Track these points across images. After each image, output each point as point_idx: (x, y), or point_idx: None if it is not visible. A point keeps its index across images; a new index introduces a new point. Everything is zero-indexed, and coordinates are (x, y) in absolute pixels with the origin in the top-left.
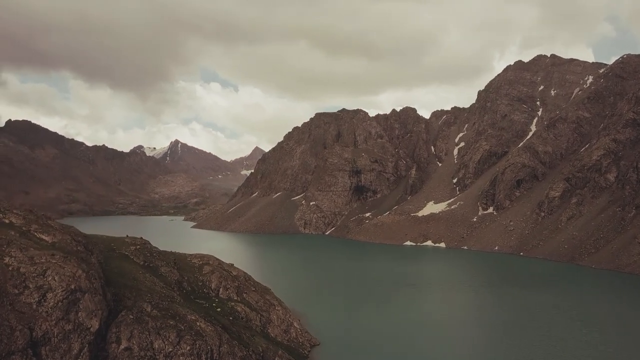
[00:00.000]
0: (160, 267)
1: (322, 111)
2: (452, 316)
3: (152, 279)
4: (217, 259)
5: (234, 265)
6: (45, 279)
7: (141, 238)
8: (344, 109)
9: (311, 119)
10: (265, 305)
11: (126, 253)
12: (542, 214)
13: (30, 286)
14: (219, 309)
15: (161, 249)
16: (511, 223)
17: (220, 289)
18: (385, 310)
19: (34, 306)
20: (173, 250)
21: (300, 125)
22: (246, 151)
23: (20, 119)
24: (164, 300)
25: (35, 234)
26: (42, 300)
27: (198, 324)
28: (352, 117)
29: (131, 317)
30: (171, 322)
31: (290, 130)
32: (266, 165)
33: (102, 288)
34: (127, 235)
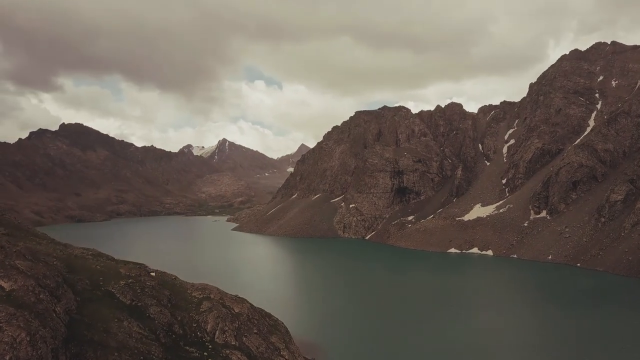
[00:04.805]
0: (149, 307)
1: (367, 106)
2: (499, 345)
3: (129, 327)
4: (220, 292)
5: (239, 295)
6: None
7: (139, 267)
8: (385, 106)
9: (351, 117)
10: (268, 352)
11: (112, 290)
12: (602, 219)
13: None
14: None
15: (163, 273)
16: (567, 229)
17: (217, 332)
18: (419, 340)
19: None
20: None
21: (340, 124)
22: (293, 148)
23: (74, 122)
24: None
25: None
26: None
27: None
28: (394, 115)
29: None
30: None
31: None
32: (305, 166)
33: (55, 352)
34: (125, 264)
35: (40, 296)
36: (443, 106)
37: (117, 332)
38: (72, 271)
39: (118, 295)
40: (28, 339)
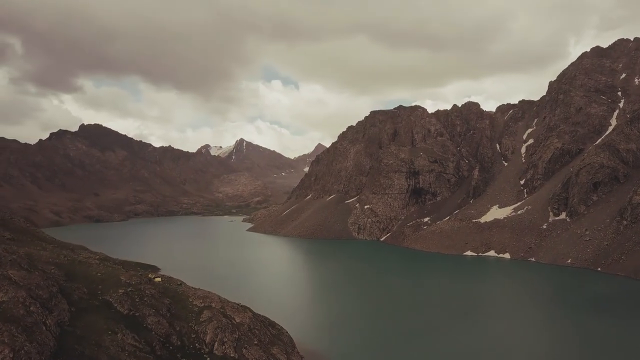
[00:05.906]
0: (147, 317)
1: (385, 105)
2: (513, 355)
3: (123, 340)
4: (222, 300)
5: (241, 303)
6: None
7: (141, 274)
8: (400, 106)
9: (366, 117)
10: None
11: (110, 299)
12: (625, 222)
13: None
14: None
15: (169, 278)
16: (587, 232)
17: (216, 343)
18: (433, 350)
19: None
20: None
21: (354, 124)
22: (310, 147)
23: (93, 123)
24: None
25: None
26: None
27: None
28: (410, 114)
29: None
30: None
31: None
32: (320, 166)
33: None
34: (127, 270)
35: (31, 308)
36: (460, 105)
37: (110, 345)
38: (71, 279)
39: (115, 305)
40: (11, 355)
